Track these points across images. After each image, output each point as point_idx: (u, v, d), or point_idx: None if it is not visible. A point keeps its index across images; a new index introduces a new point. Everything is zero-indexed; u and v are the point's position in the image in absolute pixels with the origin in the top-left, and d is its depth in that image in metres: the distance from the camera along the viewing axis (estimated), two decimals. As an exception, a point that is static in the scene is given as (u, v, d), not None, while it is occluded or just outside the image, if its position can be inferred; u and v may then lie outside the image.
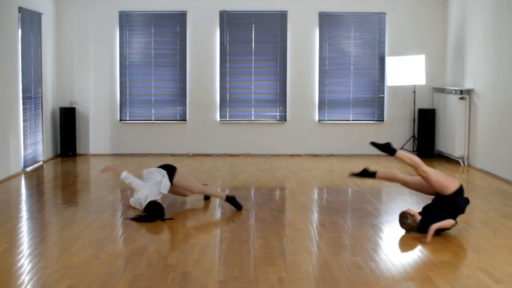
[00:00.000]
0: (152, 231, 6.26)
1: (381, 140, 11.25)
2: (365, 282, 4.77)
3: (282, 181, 9.17)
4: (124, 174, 6.93)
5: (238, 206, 7.11)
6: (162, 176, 6.98)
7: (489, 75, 9.62)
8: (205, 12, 11.50)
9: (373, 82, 11.65)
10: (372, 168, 6.70)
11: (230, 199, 7.15)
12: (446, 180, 6.10)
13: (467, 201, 6.15)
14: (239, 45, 11.58)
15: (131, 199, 7.20)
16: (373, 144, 6.38)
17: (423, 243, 5.74)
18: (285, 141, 11.65)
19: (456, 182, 6.11)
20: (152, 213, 6.58)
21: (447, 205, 6.02)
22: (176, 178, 7.07)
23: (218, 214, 7.09)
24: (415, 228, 6.02)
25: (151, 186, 6.87)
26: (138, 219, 6.58)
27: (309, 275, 4.94)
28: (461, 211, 6.08)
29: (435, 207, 6.06)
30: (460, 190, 6.07)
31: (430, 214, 6.01)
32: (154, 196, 6.80)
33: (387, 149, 6.28)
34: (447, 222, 5.91)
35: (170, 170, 7.08)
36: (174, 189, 7.22)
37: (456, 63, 10.96)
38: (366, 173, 6.58)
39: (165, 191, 7.02)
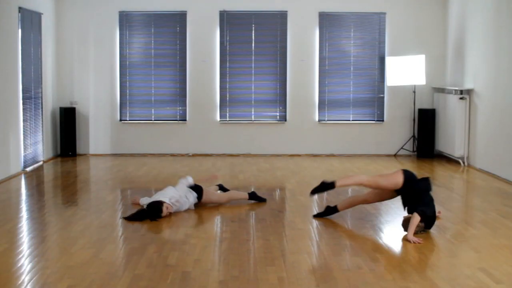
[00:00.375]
0: (152, 231, 6.26)
1: (381, 140, 11.49)
2: (365, 282, 4.76)
3: (282, 181, 9.17)
4: (189, 179, 7.23)
5: (261, 199, 7.47)
6: (193, 200, 7.12)
7: (489, 75, 9.62)
8: (205, 12, 11.50)
9: (373, 82, 11.65)
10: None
11: (252, 195, 7.44)
12: (391, 175, 6.25)
13: (426, 180, 6.22)
14: (239, 45, 11.58)
15: (141, 199, 7.20)
16: (313, 191, 6.38)
17: (421, 244, 5.74)
18: (285, 141, 11.65)
19: (398, 171, 6.23)
20: (149, 212, 6.61)
21: (417, 194, 6.09)
22: (204, 197, 7.24)
23: (218, 214, 7.09)
24: (422, 228, 6.01)
25: (187, 201, 7.03)
26: (129, 218, 6.60)
27: (309, 275, 4.94)
28: (428, 189, 6.16)
29: (415, 203, 6.06)
30: (408, 175, 6.15)
31: (421, 208, 6.01)
32: (177, 205, 6.90)
33: (326, 186, 6.29)
34: (415, 220, 5.90)
35: (199, 193, 7.19)
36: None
37: (456, 63, 10.95)
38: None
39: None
